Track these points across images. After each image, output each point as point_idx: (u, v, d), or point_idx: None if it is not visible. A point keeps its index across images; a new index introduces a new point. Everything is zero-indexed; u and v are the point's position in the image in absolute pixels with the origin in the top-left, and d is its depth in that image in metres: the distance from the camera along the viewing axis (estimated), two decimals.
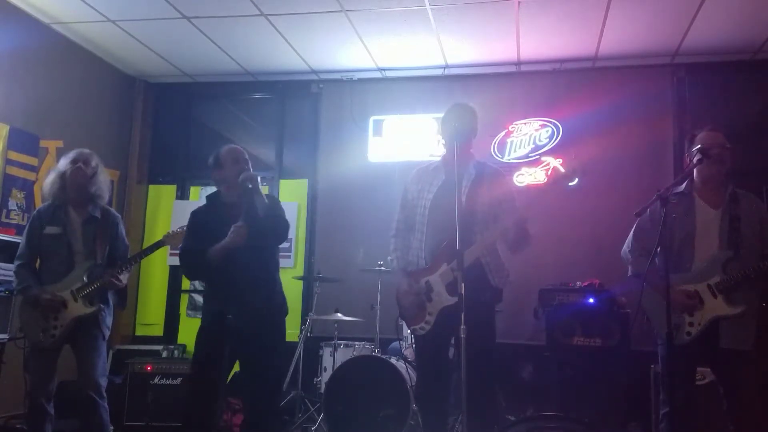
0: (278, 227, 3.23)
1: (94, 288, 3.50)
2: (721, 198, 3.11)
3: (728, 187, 3.13)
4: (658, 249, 2.94)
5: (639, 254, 3.24)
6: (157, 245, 3.70)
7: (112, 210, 3.79)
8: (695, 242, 3.07)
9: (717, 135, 3.13)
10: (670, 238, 3.07)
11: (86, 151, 3.69)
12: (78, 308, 3.47)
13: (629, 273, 3.32)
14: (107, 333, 3.62)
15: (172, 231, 3.74)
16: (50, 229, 3.55)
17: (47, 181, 3.65)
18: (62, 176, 3.59)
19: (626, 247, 3.34)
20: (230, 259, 3.06)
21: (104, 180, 3.70)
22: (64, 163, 3.62)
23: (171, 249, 3.55)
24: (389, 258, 3.29)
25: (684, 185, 3.20)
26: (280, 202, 3.46)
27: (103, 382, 3.51)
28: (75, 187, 3.59)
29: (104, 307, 3.60)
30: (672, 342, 2.83)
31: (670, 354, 2.92)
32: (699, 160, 3.05)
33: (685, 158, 3.25)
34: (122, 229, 3.77)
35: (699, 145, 3.09)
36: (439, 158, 3.27)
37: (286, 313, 3.38)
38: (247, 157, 3.32)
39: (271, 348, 3.23)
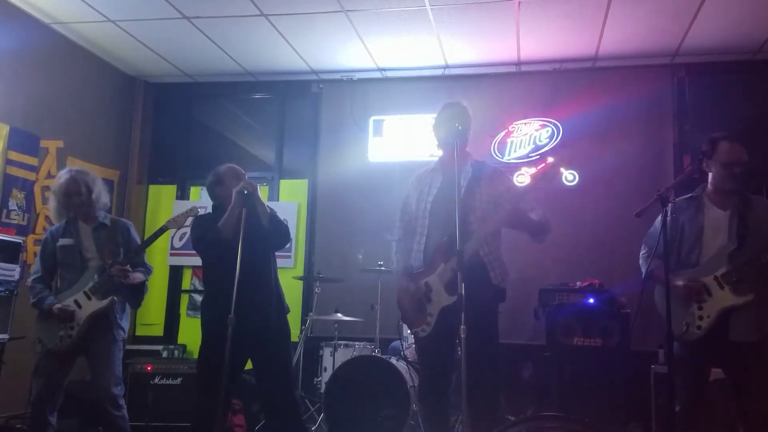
0: (281, 230, 3.46)
1: (105, 283, 3.54)
2: (731, 201, 3.13)
3: (739, 191, 3.14)
4: (665, 250, 2.96)
5: (648, 256, 3.29)
6: (161, 231, 3.74)
7: (122, 219, 3.90)
8: (703, 240, 3.10)
9: (739, 149, 3.13)
10: (678, 241, 3.13)
11: (72, 179, 3.65)
12: (92, 305, 3.51)
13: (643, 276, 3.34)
14: (122, 335, 3.65)
15: (175, 216, 3.79)
16: (63, 242, 3.65)
17: (51, 206, 3.77)
18: (62, 204, 3.68)
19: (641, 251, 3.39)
20: (234, 263, 3.09)
21: (99, 192, 3.72)
22: (57, 195, 3.67)
23: (172, 237, 3.62)
24: (391, 262, 3.32)
25: (696, 190, 3.23)
26: (276, 214, 3.59)
27: (118, 391, 3.53)
28: (76, 211, 3.71)
29: (118, 307, 3.61)
30: (672, 341, 2.84)
31: (677, 353, 2.93)
32: (719, 172, 3.11)
33: (685, 158, 3.26)
34: (134, 232, 3.83)
35: (724, 159, 3.11)
36: (436, 159, 3.23)
37: (287, 311, 3.55)
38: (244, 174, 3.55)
39: (282, 344, 3.43)
